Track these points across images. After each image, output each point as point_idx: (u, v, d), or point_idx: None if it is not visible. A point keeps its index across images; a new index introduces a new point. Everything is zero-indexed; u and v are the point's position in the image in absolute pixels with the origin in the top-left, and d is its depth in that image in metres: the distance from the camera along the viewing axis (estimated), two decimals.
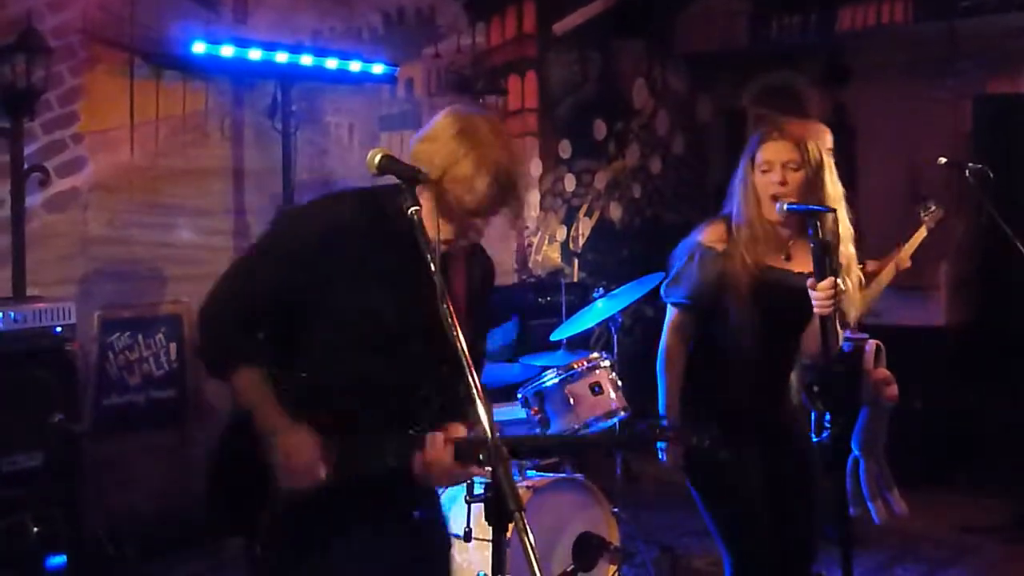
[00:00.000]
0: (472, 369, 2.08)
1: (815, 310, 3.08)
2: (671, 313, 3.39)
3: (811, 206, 3.13)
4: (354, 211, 2.49)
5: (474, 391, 2.06)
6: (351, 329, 2.45)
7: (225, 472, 2.54)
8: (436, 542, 2.71)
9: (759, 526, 3.29)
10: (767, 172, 3.24)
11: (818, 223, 3.04)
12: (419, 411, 2.48)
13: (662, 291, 3.41)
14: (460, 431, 2.42)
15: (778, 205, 3.18)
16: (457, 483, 2.57)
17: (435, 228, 2.32)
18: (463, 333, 2.14)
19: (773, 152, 3.25)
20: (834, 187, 3.30)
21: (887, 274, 4.87)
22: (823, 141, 3.74)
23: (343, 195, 2.60)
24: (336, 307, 2.43)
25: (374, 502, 2.48)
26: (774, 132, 3.30)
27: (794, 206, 3.15)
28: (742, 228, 3.26)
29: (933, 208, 5.06)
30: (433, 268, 2.20)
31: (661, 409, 3.40)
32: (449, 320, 2.13)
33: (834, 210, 3.18)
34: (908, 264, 5.00)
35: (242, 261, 2.55)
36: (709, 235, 3.31)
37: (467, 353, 2.10)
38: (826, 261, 3.05)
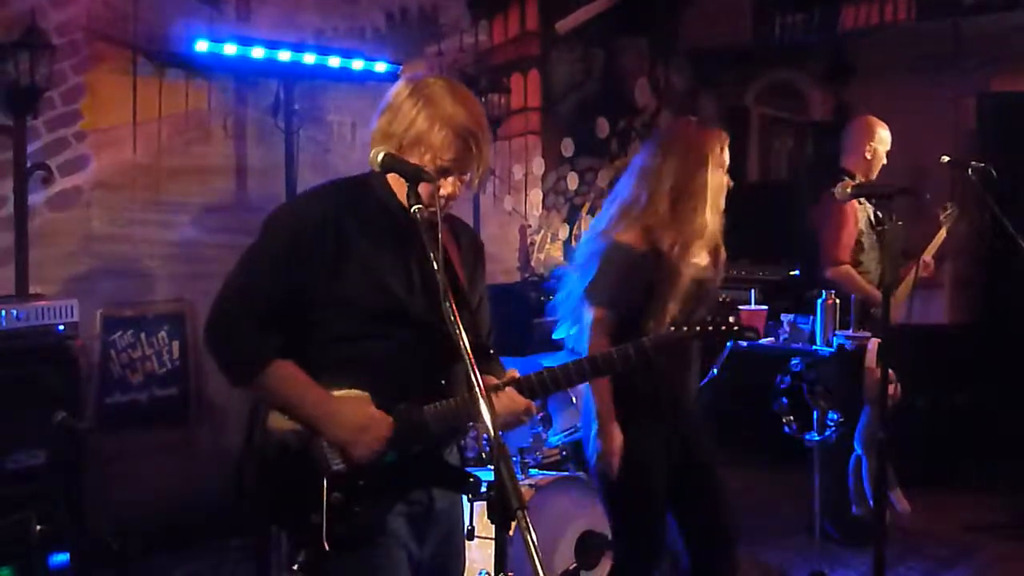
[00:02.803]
0: (475, 367, 2.07)
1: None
2: (596, 314, 3.36)
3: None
4: (328, 202, 2.49)
5: (477, 388, 2.05)
6: (351, 315, 2.43)
7: (271, 471, 2.47)
8: (458, 532, 2.70)
9: (661, 514, 3.42)
10: (722, 172, 3.40)
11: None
12: (427, 389, 2.47)
13: (587, 294, 3.37)
14: (494, 380, 2.50)
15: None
16: (525, 423, 2.59)
17: (438, 225, 2.31)
18: (462, 306, 2.16)
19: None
20: None
21: (911, 278, 4.95)
22: None
23: (316, 190, 2.61)
24: (333, 296, 2.42)
25: (417, 481, 2.50)
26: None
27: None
28: (693, 229, 3.32)
29: (950, 209, 5.15)
30: (436, 267, 2.20)
31: (588, 411, 3.40)
32: (453, 317, 2.13)
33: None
34: (931, 264, 5.10)
35: (237, 272, 2.49)
36: (630, 237, 3.35)
37: (470, 350, 2.09)
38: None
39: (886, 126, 5.24)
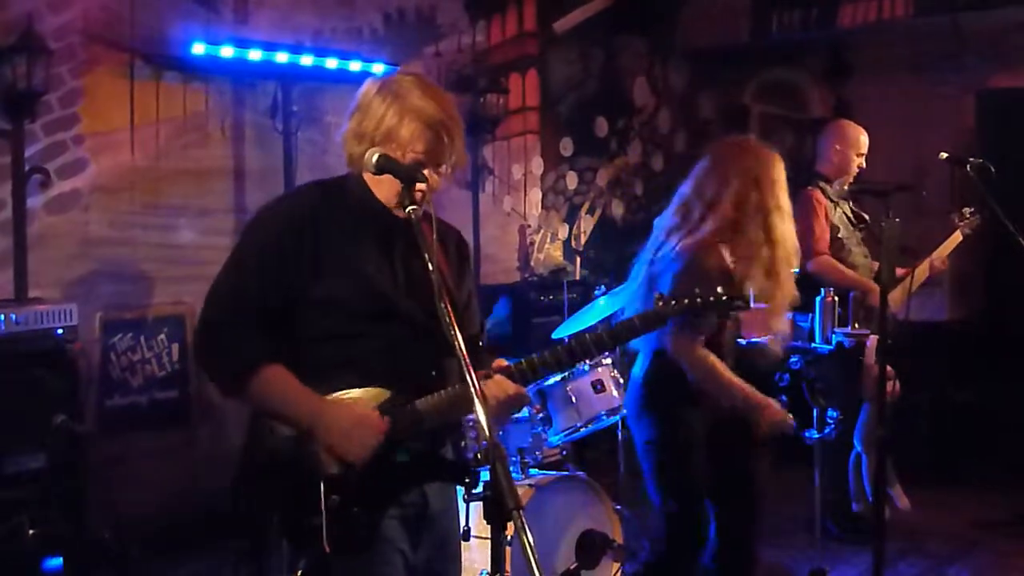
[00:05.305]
0: (471, 368, 2.07)
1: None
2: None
3: None
4: (307, 202, 2.49)
5: (473, 389, 2.04)
6: (338, 314, 2.41)
7: (269, 476, 2.45)
8: (454, 537, 2.69)
9: (701, 496, 3.63)
10: None
11: None
12: (419, 383, 2.45)
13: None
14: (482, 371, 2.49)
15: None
16: (518, 410, 2.63)
17: (434, 225, 2.32)
18: (452, 304, 2.16)
19: None
20: None
21: (917, 278, 4.91)
22: None
23: (299, 189, 2.62)
24: (318, 296, 2.41)
25: (412, 482, 2.49)
26: None
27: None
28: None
29: (969, 215, 5.11)
30: (431, 267, 2.20)
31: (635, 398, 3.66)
32: (448, 320, 2.13)
33: None
34: (944, 265, 5.08)
35: (221, 280, 2.47)
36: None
37: (464, 350, 2.09)
38: None
39: (860, 129, 5.22)
